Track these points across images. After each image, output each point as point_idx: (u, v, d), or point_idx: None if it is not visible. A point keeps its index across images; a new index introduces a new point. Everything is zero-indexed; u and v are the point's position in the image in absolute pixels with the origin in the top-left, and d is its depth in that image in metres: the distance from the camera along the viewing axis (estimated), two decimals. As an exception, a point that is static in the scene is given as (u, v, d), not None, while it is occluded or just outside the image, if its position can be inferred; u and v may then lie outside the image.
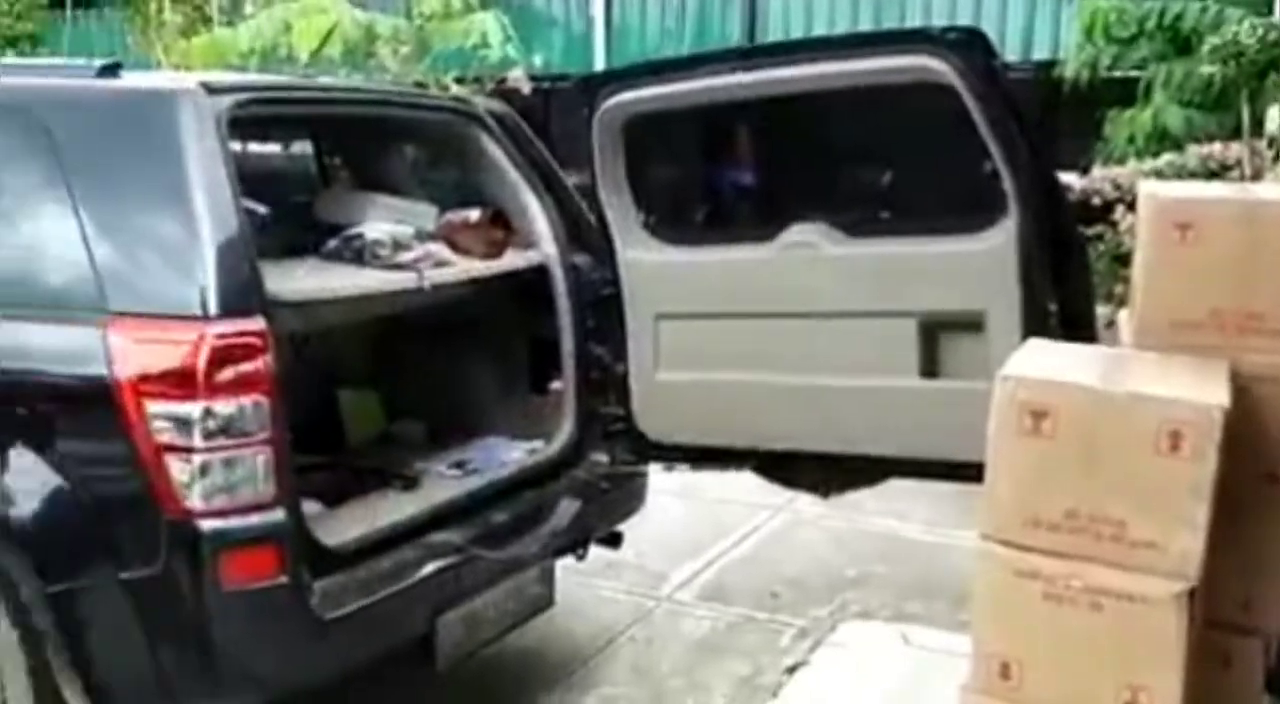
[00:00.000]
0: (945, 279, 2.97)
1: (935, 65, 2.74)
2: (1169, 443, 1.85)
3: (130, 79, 2.80)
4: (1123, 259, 5.50)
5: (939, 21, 10.30)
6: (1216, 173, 6.43)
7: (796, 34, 10.70)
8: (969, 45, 2.75)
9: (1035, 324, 2.81)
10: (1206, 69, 6.87)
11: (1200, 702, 2.22)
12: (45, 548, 2.49)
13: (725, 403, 3.32)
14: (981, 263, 2.90)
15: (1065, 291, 2.89)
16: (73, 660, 2.48)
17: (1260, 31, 5.96)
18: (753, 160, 3.54)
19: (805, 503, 5.04)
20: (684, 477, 4.54)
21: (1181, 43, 7.69)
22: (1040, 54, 10.02)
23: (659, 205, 3.42)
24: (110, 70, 2.74)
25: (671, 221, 3.44)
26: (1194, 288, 2.18)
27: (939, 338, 3.04)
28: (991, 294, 2.89)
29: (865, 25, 10.48)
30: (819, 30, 10.87)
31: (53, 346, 2.51)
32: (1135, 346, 2.25)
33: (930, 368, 3.06)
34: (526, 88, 8.93)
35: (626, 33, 11.78)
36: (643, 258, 3.35)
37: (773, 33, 10.99)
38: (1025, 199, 2.80)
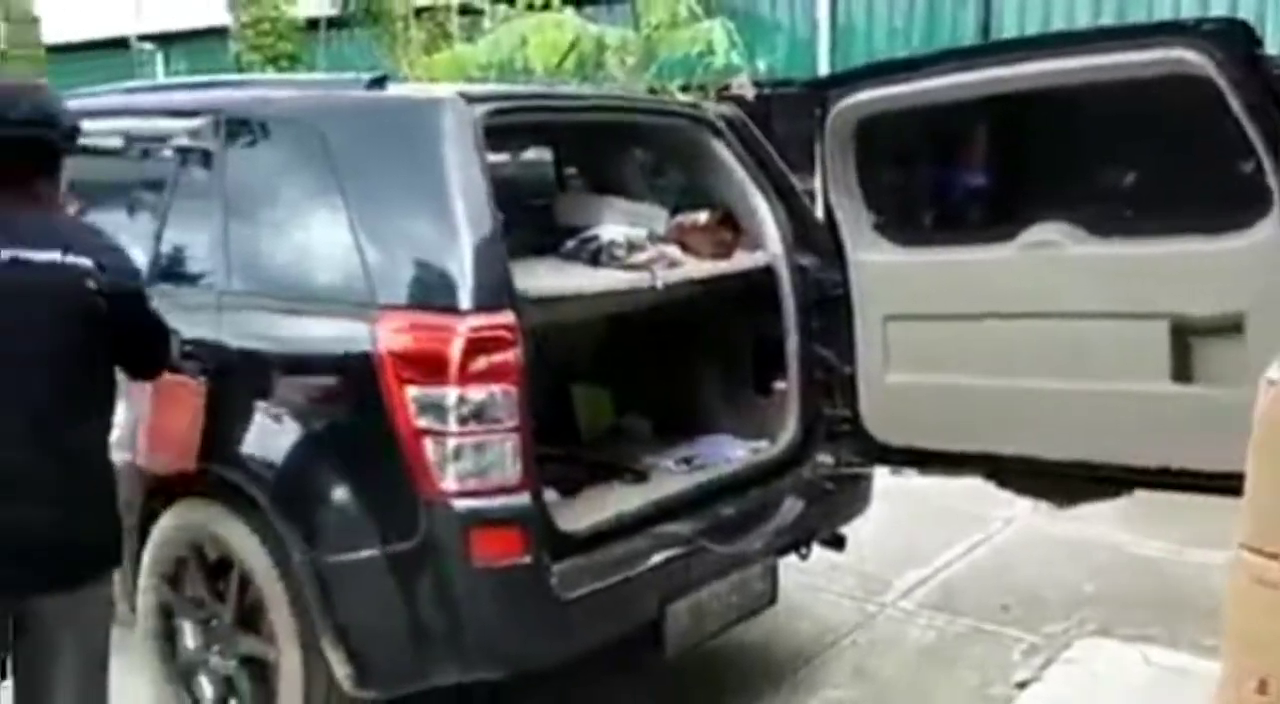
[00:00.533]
0: (1201, 279, 2.83)
1: (1191, 58, 2.62)
2: None
3: (396, 90, 3.03)
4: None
5: (1189, 15, 9.71)
6: None
7: (1033, 30, 10.30)
8: (1229, 36, 2.61)
9: (1302, 328, 2.64)
10: None
11: None
12: (313, 520, 2.72)
13: (957, 406, 3.26)
14: (1242, 262, 2.75)
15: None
16: (335, 625, 2.69)
17: None
18: (989, 159, 3.47)
19: (1038, 515, 4.88)
20: (911, 483, 4.50)
21: None
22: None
23: (890, 207, 3.40)
24: (378, 83, 2.98)
25: (903, 223, 3.41)
26: None
27: (1192, 341, 2.89)
28: (1253, 294, 2.73)
29: (1107, 20, 9.97)
30: (1057, 26, 10.41)
31: (326, 337, 2.74)
32: None
33: (1183, 372, 2.92)
34: (750, 94, 8.98)
35: (852, 35, 11.63)
36: (873, 259, 3.34)
37: (1008, 30, 10.61)
38: (1292, 196, 2.64)
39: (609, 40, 8.95)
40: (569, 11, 9.28)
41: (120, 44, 18.03)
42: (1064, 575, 4.37)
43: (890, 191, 3.43)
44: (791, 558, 3.53)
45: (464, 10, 10.92)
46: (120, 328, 2.25)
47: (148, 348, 2.47)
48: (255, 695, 2.92)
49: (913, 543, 4.71)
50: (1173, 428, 2.90)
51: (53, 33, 18.78)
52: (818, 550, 3.66)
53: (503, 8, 9.96)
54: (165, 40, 17.60)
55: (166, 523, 3.05)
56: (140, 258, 2.78)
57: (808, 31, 11.78)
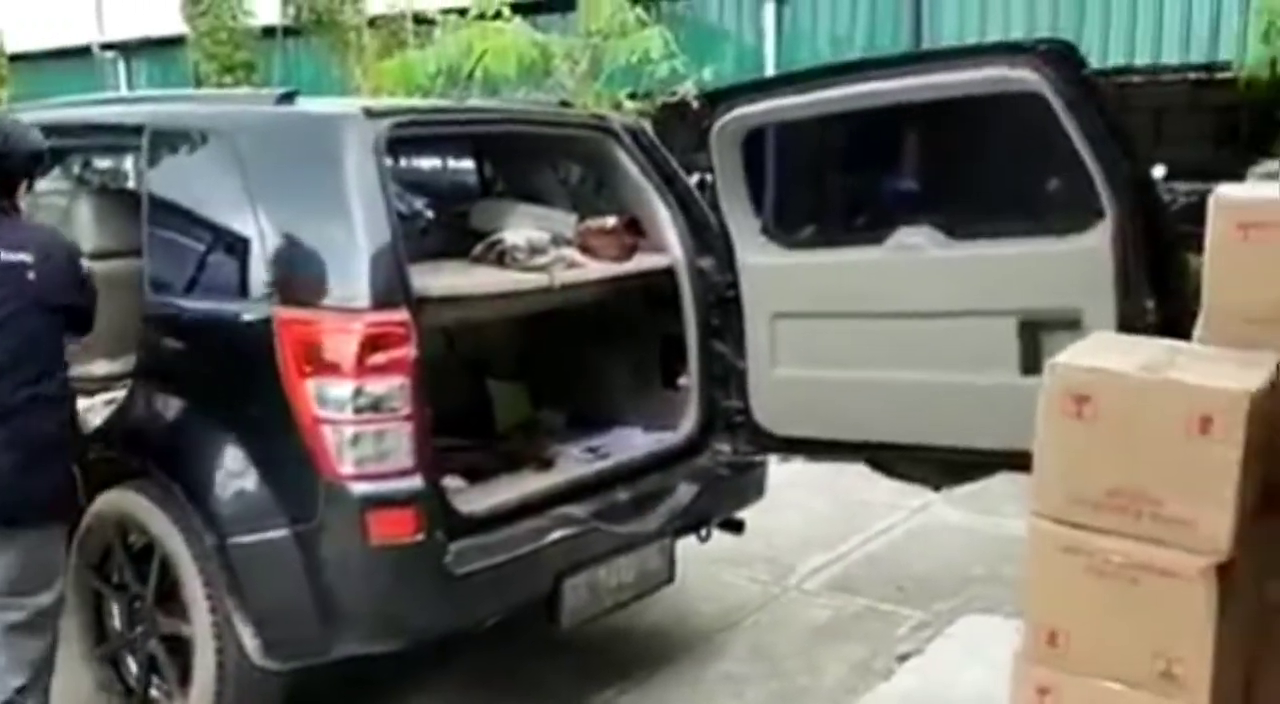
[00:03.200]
0: (1044, 279, 3.08)
1: (1026, 76, 2.88)
2: (1199, 426, 1.97)
3: (303, 105, 3.24)
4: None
5: (1121, 27, 10.09)
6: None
7: (971, 38, 10.62)
8: (1060, 56, 2.87)
9: (1130, 323, 2.90)
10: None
11: (1267, 687, 2.31)
12: (221, 505, 2.93)
13: (837, 397, 3.50)
14: (1078, 263, 3.00)
15: (1163, 292, 2.97)
16: (243, 602, 2.90)
17: None
18: (862, 168, 3.72)
19: (943, 505, 5.15)
20: (828, 476, 4.77)
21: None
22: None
23: (775, 212, 3.64)
24: (287, 98, 3.20)
25: (785, 227, 3.65)
26: (1257, 284, 2.25)
27: (1039, 336, 3.14)
28: (1088, 293, 2.99)
29: (1043, 29, 10.31)
30: (994, 35, 10.73)
31: (233, 334, 2.97)
32: (1202, 341, 2.33)
33: (1031, 364, 3.16)
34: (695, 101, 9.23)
35: (797, 42, 11.93)
36: (760, 261, 3.59)
37: (946, 38, 10.93)
38: (1119, 203, 2.90)
39: (554, 49, 9.21)
40: (518, 21, 9.51)
41: (83, 53, 18.09)
42: (958, 559, 4.64)
43: (774, 198, 3.67)
44: (705, 545, 3.78)
45: (419, 19, 11.12)
46: (59, 304, 2.70)
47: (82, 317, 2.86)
48: (175, 670, 3.13)
49: (823, 531, 4.98)
50: (1024, 415, 3.14)
51: (15, 42, 18.85)
52: (730, 540, 3.91)
53: (454, 17, 10.16)
54: (127, 49, 17.69)
55: (93, 511, 3.25)
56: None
57: (755, 39, 12.06)
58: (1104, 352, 2.26)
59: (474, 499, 3.16)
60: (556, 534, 3.17)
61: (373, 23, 11.73)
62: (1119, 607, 2.08)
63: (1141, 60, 9.99)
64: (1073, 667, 2.16)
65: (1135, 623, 2.07)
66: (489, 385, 4.21)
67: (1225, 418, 1.95)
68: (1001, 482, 3.50)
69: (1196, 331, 2.39)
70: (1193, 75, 10.01)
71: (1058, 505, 2.16)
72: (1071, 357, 2.20)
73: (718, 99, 3.52)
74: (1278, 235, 2.23)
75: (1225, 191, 2.38)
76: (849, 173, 3.78)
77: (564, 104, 4.72)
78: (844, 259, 3.45)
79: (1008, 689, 2.36)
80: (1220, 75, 8.59)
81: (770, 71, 11.66)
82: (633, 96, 9.74)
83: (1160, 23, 9.73)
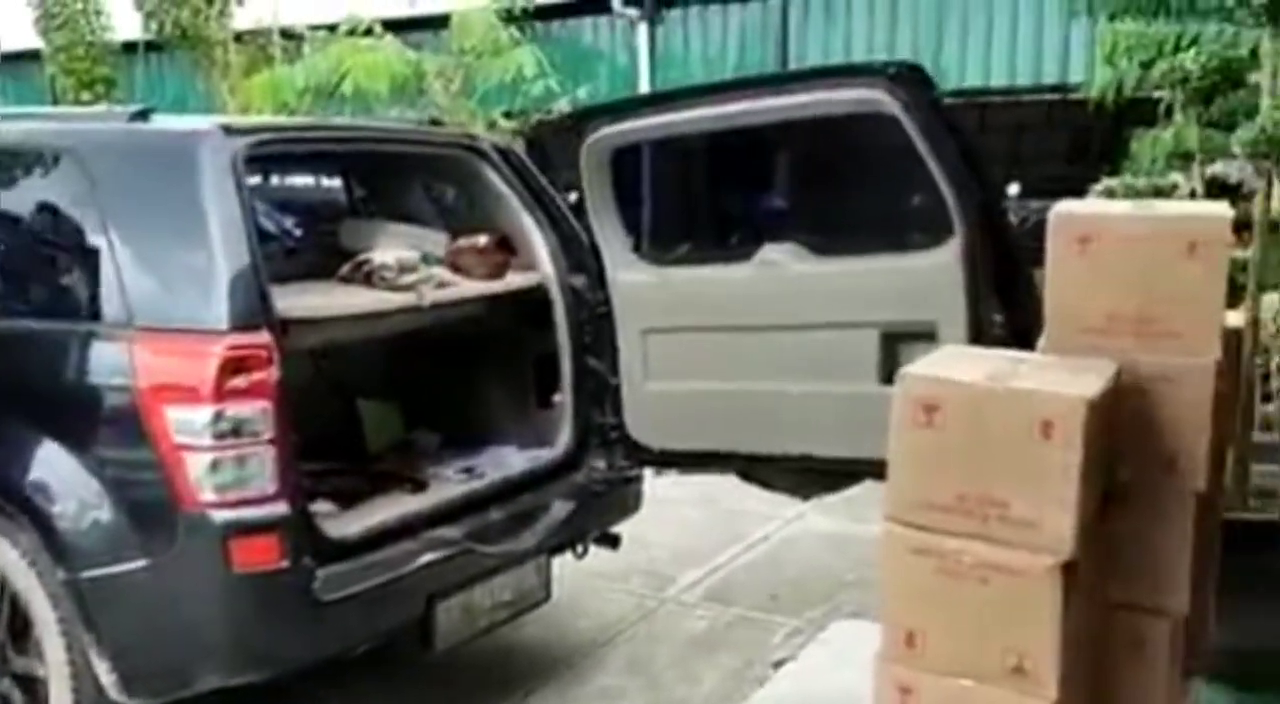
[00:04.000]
0: (901, 293, 3.20)
1: (880, 97, 2.98)
2: (1041, 431, 2.07)
3: (159, 122, 3.16)
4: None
5: (977, 50, 10.51)
6: (1164, 192, 6.70)
7: (836, 59, 10.92)
8: (911, 79, 2.99)
9: (980, 335, 3.03)
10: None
11: (1113, 680, 2.43)
12: (74, 538, 2.82)
13: (707, 410, 3.57)
14: (932, 278, 3.12)
15: (1011, 304, 3.11)
16: (99, 638, 2.79)
17: (1204, 58, 6.11)
18: (731, 187, 3.81)
19: (816, 514, 5.26)
20: (706, 488, 4.82)
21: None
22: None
23: (647, 229, 3.70)
24: (141, 115, 3.11)
25: (657, 244, 3.72)
26: (1095, 295, 2.39)
27: (898, 347, 3.25)
28: (941, 307, 3.11)
29: (904, 52, 10.66)
30: (857, 56, 11.05)
31: (86, 358, 2.87)
32: (1045, 351, 2.46)
33: (890, 375, 3.27)
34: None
35: (670, 63, 12.09)
36: (631, 278, 3.63)
37: (811, 58, 11.22)
38: (968, 220, 3.03)
39: (427, 67, 9.15)
40: (390, 38, 9.43)
41: (-75, 66, 17.21)
42: (829, 566, 4.75)
43: (646, 216, 3.72)
44: (583, 561, 3.78)
45: (287, 35, 10.91)
46: None
47: None
48: (28, 711, 3.00)
49: (699, 542, 5.04)
50: (884, 424, 3.24)
51: None
52: (609, 555, 3.92)
53: (324, 33, 10.02)
54: (-25, 62, 16.89)
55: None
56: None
57: (628, 59, 12.18)
58: (952, 362, 2.36)
59: (344, 523, 3.11)
60: (429, 557, 3.13)
61: (239, 38, 11.45)
62: (970, 606, 2.17)
63: (997, 82, 10.42)
64: (930, 665, 2.24)
65: (986, 621, 2.15)
66: (360, 406, 4.15)
67: (1065, 423, 2.05)
68: (872, 489, 3.60)
69: (1040, 342, 2.51)
70: (1049, 96, 10.47)
71: (910, 510, 2.24)
72: (921, 368, 2.29)
73: (586, 118, 3.56)
74: (1111, 247, 2.37)
75: (1064, 207, 2.52)
76: (719, 192, 3.86)
77: (434, 122, 4.71)
78: (713, 275, 3.52)
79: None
80: (1073, 96, 9.01)
81: (644, 91, 11.79)
82: (508, 115, 9.75)
83: (1014, 46, 10.18)
